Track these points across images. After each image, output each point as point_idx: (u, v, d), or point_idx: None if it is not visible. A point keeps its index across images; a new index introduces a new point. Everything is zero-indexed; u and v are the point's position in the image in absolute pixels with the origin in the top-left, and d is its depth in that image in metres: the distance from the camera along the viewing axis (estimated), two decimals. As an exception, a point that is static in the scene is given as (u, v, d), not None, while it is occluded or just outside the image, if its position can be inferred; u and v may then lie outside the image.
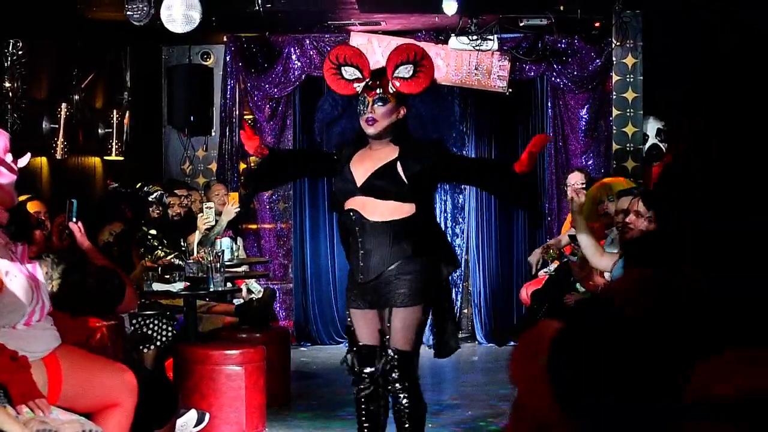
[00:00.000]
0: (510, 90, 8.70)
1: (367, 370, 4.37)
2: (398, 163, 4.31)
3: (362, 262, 4.33)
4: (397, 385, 4.27)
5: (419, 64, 4.35)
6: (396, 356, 4.24)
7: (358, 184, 4.32)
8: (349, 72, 4.40)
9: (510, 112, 9.07)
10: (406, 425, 4.30)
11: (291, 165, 4.95)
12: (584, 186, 6.95)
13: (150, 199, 6.95)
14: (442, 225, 8.98)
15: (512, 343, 8.30)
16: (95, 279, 3.62)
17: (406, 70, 4.33)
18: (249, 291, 7.70)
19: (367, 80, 4.38)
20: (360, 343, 4.39)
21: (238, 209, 7.37)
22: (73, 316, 3.79)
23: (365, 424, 4.42)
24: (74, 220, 3.68)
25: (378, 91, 4.32)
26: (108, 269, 3.68)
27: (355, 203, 4.34)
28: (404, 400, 4.26)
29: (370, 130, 4.31)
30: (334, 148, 4.55)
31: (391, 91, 4.32)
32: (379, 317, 4.39)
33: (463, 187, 9.07)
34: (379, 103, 4.29)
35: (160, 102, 9.30)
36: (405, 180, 4.27)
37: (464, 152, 9.01)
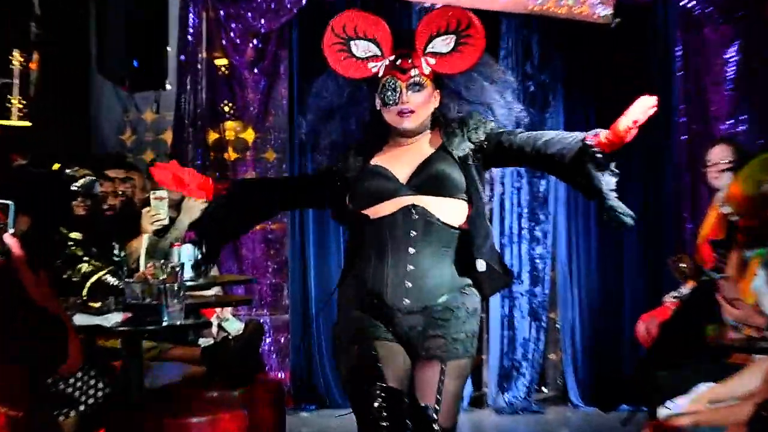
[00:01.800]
0: (617, 20, 8.20)
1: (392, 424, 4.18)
2: (446, 148, 4.49)
3: (410, 282, 4.34)
4: None
5: (463, 33, 4.46)
6: None
7: (403, 180, 4.38)
8: (361, 47, 4.54)
9: (615, 54, 8.52)
10: None
11: (267, 195, 4.93)
12: (732, 164, 6.93)
13: (74, 187, 6.65)
14: (516, 225, 8.67)
15: (625, 407, 7.83)
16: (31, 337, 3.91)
17: (444, 43, 4.51)
18: (220, 327, 7.55)
19: (392, 58, 4.46)
20: (387, 385, 4.28)
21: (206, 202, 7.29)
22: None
23: None
24: (11, 231, 3.87)
25: (412, 72, 4.46)
26: (49, 316, 4.01)
27: (403, 203, 4.38)
28: None
29: (407, 123, 4.44)
30: (327, 160, 4.68)
31: (426, 72, 4.46)
32: (412, 366, 4.44)
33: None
34: (416, 89, 4.45)
35: (86, 39, 8.78)
36: (458, 164, 4.47)
37: (545, 115, 8.59)
